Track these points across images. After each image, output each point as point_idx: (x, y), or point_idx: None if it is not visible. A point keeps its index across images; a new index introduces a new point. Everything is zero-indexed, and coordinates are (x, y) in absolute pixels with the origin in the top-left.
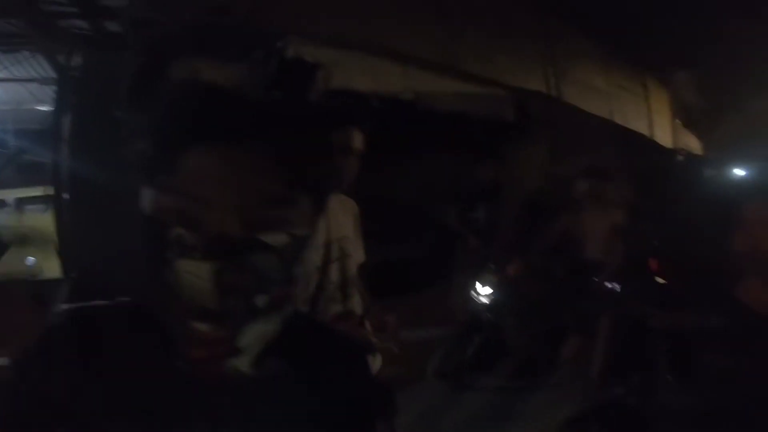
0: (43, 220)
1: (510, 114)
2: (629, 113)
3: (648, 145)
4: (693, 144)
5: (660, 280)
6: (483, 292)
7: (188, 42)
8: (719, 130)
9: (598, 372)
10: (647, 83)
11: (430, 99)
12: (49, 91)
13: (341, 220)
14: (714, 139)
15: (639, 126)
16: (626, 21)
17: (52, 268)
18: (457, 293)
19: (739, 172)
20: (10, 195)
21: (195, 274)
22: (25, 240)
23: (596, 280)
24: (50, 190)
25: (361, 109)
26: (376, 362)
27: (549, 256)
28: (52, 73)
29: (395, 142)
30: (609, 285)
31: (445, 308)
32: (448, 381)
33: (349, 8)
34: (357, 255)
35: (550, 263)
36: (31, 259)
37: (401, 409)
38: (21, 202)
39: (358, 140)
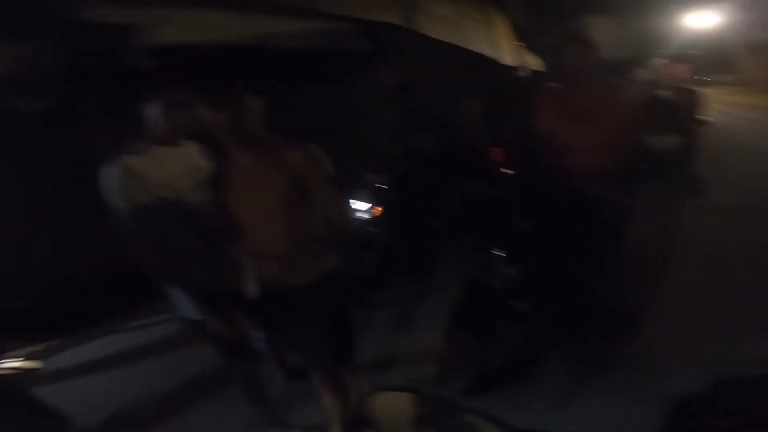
0: None
1: (364, 45)
2: (474, 39)
3: (492, 64)
4: (533, 61)
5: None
6: (361, 207)
7: None
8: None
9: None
10: (489, 11)
11: (281, 40)
12: None
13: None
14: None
15: (485, 49)
16: None
17: None
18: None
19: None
20: None
21: None
22: None
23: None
24: None
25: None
26: None
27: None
28: None
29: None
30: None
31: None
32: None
33: None
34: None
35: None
36: None
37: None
38: None
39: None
